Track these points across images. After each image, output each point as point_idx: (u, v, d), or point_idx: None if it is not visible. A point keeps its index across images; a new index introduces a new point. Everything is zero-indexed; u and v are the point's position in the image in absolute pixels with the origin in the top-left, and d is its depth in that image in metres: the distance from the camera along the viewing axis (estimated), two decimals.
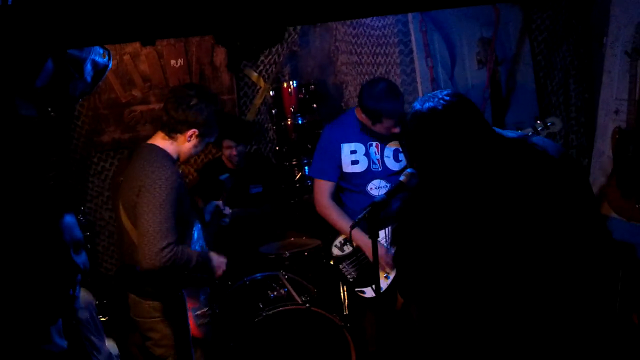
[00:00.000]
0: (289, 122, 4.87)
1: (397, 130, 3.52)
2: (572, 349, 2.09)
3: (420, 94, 4.32)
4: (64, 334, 1.75)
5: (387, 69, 4.58)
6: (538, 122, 3.77)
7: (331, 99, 5.23)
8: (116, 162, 4.89)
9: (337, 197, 3.81)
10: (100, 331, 1.81)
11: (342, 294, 4.22)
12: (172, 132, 3.02)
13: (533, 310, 2.08)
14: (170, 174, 2.91)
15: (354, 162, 3.68)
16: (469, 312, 2.15)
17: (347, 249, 3.75)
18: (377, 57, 4.65)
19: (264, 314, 3.58)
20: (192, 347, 3.16)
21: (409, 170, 2.65)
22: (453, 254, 2.13)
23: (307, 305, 3.65)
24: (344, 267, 3.80)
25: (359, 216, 2.61)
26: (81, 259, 1.74)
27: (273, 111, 4.95)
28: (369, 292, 3.70)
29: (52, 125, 2.93)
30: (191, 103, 2.99)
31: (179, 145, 3.05)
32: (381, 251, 3.46)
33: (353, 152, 3.67)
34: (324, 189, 3.72)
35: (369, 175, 3.68)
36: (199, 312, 3.20)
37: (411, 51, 4.37)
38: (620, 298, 3.31)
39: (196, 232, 3.22)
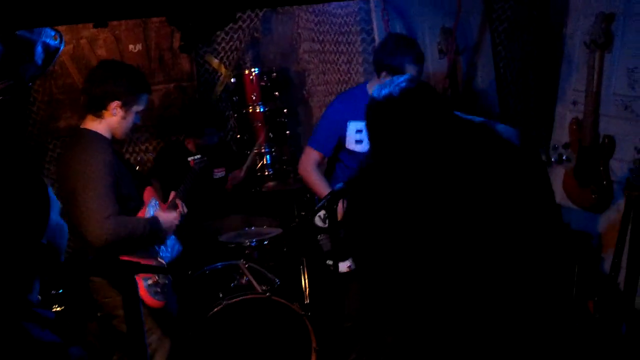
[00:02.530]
0: (251, 110, 4.82)
1: None
2: (525, 338, 2.11)
3: None
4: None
5: (350, 57, 4.56)
6: None
7: (293, 86, 5.19)
8: None
9: (334, 166, 3.76)
10: None
11: (303, 283, 4.21)
12: (96, 110, 3.07)
13: (484, 298, 2.08)
14: (100, 151, 2.99)
15: (358, 142, 3.62)
16: (416, 294, 2.14)
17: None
18: (339, 46, 4.63)
19: (225, 303, 3.55)
20: (153, 318, 3.20)
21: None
22: (403, 237, 2.12)
23: (267, 294, 3.63)
24: (322, 239, 3.75)
25: (318, 205, 2.59)
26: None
27: (234, 98, 4.89)
28: (341, 267, 3.66)
29: (4, 110, 2.84)
30: (105, 77, 3.05)
31: (107, 121, 3.08)
32: None
33: (359, 131, 3.59)
34: (313, 157, 3.68)
35: None
36: (150, 282, 3.15)
37: (373, 40, 4.35)
38: (576, 286, 3.36)
39: (152, 209, 3.27)
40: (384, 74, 3.48)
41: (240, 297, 3.60)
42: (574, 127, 3.92)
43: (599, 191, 3.77)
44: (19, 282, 1.71)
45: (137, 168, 4.47)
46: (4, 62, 2.47)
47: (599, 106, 3.82)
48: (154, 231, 3.16)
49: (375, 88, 2.18)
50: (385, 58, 3.46)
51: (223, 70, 5.07)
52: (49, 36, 2.71)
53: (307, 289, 4.18)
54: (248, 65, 5.10)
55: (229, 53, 5.07)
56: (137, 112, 3.16)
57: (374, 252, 2.21)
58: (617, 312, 3.38)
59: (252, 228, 4.53)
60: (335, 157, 3.73)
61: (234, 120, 5.10)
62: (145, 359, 1.87)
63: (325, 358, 3.73)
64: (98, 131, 3.07)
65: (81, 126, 3.13)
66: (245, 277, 3.85)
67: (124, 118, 3.10)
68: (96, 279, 3.10)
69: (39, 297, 1.78)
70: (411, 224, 2.13)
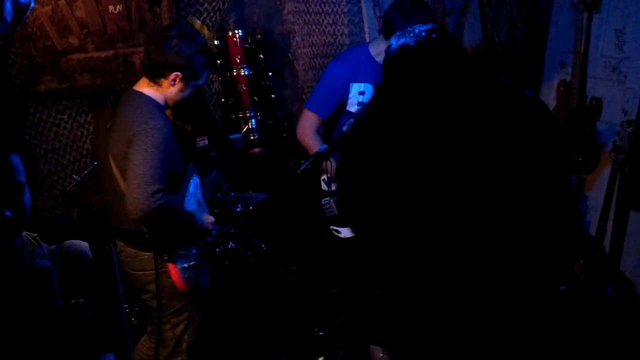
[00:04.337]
0: (235, 73, 4.74)
1: None
2: (509, 295, 2.09)
3: None
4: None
5: (335, 18, 4.48)
6: None
7: (278, 48, 5.10)
8: (54, 113, 4.69)
9: (332, 130, 3.68)
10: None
11: (289, 248, 4.20)
12: (155, 77, 2.86)
13: (484, 255, 2.05)
14: (160, 123, 2.76)
15: (360, 104, 3.54)
16: (407, 240, 2.11)
17: (333, 187, 3.62)
18: (324, 6, 4.54)
19: (210, 269, 3.53)
20: (186, 296, 3.03)
21: (351, 120, 2.59)
22: (403, 186, 2.08)
23: (252, 259, 3.62)
24: (326, 203, 3.67)
25: (302, 167, 2.55)
26: (25, 198, 1.65)
27: (218, 62, 4.81)
28: (344, 232, 3.61)
29: None
30: (171, 44, 2.82)
31: (164, 90, 2.89)
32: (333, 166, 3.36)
33: (361, 93, 3.50)
34: (312, 121, 3.55)
35: None
36: (186, 265, 3.04)
37: (359, 0, 4.27)
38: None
39: (192, 186, 3.08)
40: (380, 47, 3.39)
41: (226, 262, 3.59)
42: (561, 89, 3.89)
43: (585, 154, 3.75)
44: None
45: None
46: None
47: (587, 68, 3.78)
48: (188, 223, 2.93)
49: (394, 35, 2.14)
50: (399, 23, 3.32)
51: (206, 32, 4.96)
52: None
53: (294, 255, 4.17)
54: (231, 26, 4.99)
55: (211, 14, 4.95)
56: (194, 86, 2.97)
57: (372, 204, 2.16)
58: (602, 274, 3.40)
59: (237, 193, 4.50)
60: (335, 120, 3.64)
61: (218, 84, 5.02)
62: (124, 327, 1.83)
63: (310, 323, 3.74)
64: (154, 98, 2.87)
65: (136, 88, 2.91)
66: (230, 243, 3.83)
67: (181, 90, 2.90)
68: (130, 250, 2.89)
69: None
70: (413, 173, 2.08)
